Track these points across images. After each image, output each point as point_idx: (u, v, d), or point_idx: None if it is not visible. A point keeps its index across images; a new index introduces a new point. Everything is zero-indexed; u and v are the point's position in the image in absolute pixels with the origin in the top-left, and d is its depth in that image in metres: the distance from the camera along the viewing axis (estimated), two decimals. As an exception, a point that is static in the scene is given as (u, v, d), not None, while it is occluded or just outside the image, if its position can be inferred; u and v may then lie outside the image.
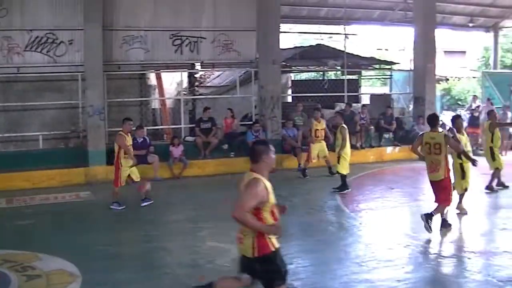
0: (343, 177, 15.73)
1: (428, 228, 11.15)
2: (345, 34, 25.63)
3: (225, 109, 20.87)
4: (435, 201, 11.66)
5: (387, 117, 22.42)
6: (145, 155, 17.25)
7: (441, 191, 11.55)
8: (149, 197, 14.28)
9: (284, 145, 20.04)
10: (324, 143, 18.29)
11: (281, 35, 21.57)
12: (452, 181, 11.98)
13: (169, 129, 21.71)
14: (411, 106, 24.74)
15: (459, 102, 37.04)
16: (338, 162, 15.81)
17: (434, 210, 11.52)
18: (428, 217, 11.31)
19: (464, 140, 13.01)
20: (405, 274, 9.02)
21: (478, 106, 25.99)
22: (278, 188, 16.86)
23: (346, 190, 15.61)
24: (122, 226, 12.65)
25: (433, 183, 11.67)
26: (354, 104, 23.15)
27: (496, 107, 25.24)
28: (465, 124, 26.60)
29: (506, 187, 15.59)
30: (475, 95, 29.10)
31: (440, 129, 11.87)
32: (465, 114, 28.06)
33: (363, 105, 23.69)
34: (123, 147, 13.93)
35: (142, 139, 17.38)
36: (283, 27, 23.81)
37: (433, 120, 11.97)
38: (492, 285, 8.55)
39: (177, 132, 20.57)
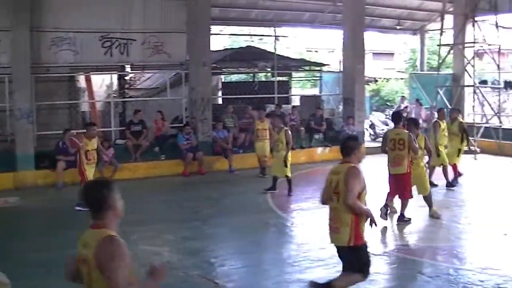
0: (290, 180, 15.72)
1: (408, 222, 12.20)
2: (275, 36, 25.80)
3: (156, 111, 20.72)
4: (389, 196, 12.32)
5: (317, 118, 22.68)
6: (75, 159, 16.99)
7: (403, 186, 12.05)
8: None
9: (214, 147, 20.05)
10: (267, 143, 18.30)
11: (211, 37, 21.59)
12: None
13: (99, 132, 21.40)
14: (341, 107, 25.06)
15: (388, 103, 37.67)
16: (286, 166, 15.64)
17: (402, 208, 12.23)
18: (401, 219, 12.14)
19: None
20: (337, 273, 9.13)
21: (406, 107, 26.52)
22: (210, 190, 17.00)
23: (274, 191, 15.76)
24: (53, 231, 12.40)
25: (394, 177, 12.12)
26: (284, 106, 23.34)
27: (424, 107, 25.92)
28: (393, 124, 27.24)
29: (435, 185, 15.92)
30: (403, 96, 29.70)
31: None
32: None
33: (293, 107, 23.95)
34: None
35: (71, 143, 17.13)
36: (214, 29, 23.85)
37: (397, 117, 12.78)
38: (421, 281, 8.78)
39: (107, 135, 20.29)
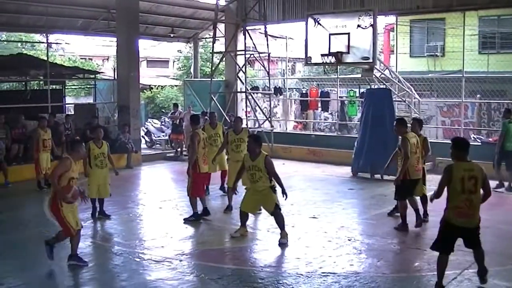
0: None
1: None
2: (47, 42, 25.12)
3: None
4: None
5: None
6: None
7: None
8: None
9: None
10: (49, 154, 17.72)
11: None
12: None
13: None
14: (116, 115, 24.92)
15: (163, 110, 38.01)
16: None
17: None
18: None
19: None
20: (121, 282, 9.13)
21: (180, 113, 26.85)
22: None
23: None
24: None
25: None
26: (58, 115, 22.73)
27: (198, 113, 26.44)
28: (168, 131, 27.63)
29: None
30: (175, 103, 29.93)
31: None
32: (168, 121, 28.98)
33: (67, 115, 23.35)
34: None
35: None
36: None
37: (197, 119, 14.24)
38: (205, 284, 9.01)
39: None
